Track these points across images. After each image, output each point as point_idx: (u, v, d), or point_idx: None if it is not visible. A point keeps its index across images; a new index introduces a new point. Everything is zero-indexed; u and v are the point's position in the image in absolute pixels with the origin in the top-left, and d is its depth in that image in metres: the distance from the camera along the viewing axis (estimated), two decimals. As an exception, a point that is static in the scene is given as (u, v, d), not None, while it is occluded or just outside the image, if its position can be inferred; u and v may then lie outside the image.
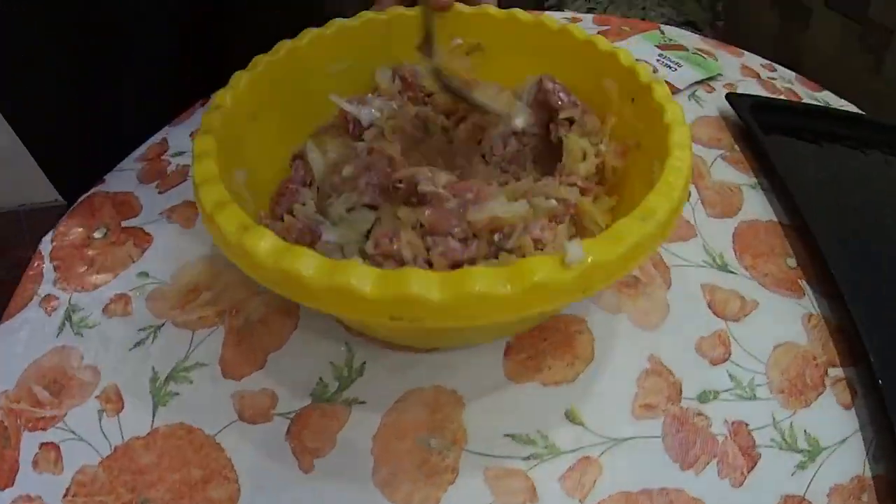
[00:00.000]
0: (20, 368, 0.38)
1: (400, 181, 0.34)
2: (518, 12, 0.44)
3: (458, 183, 0.33)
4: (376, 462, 0.33)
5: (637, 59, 0.39)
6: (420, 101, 0.43)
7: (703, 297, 0.41)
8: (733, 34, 1.20)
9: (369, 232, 0.34)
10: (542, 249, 0.31)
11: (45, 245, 0.44)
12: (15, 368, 0.38)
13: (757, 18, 1.15)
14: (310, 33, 0.42)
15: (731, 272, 0.43)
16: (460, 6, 0.44)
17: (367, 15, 0.44)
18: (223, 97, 0.35)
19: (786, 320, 0.40)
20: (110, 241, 0.44)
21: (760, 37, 1.19)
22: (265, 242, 0.25)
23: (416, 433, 0.33)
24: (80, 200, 0.47)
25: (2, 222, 1.40)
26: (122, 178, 0.49)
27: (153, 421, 0.35)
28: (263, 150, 0.38)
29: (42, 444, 0.35)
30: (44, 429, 0.35)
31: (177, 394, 0.36)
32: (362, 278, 0.23)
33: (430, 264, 0.31)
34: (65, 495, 0.33)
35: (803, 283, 0.42)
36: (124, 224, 0.45)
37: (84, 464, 0.34)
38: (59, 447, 0.35)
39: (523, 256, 0.31)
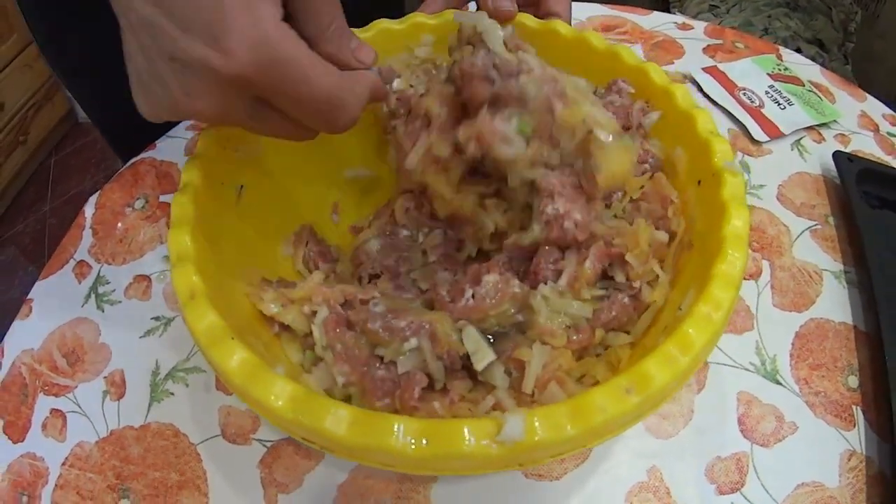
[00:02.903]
0: (47, 330, 0.40)
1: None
2: (592, 36, 0.38)
3: None
4: (336, 514, 0.32)
5: (727, 118, 0.32)
6: None
7: (735, 410, 0.36)
8: (864, 59, 1.01)
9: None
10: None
11: (90, 207, 0.46)
12: (43, 329, 0.40)
13: (892, 44, 0.96)
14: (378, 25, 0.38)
15: (779, 383, 0.37)
16: (526, 18, 0.39)
17: (415, 17, 0.39)
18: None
19: (822, 455, 0.35)
20: (146, 215, 0.45)
21: (893, 65, 0.99)
22: (233, 361, 0.24)
23: (380, 496, 0.33)
24: (127, 164, 0.48)
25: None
26: (171, 147, 0.49)
27: (147, 415, 0.36)
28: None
29: (52, 410, 0.37)
30: (56, 395, 0.38)
31: (172, 394, 0.37)
32: (337, 422, 0.22)
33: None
34: (63, 463, 0.35)
35: (858, 411, 0.37)
36: (162, 198, 0.46)
37: (83, 439, 0.36)
38: (65, 416, 0.37)
39: None
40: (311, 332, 0.30)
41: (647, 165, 0.36)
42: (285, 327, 0.31)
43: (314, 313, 0.31)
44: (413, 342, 0.28)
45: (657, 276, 0.30)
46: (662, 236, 0.32)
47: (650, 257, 0.31)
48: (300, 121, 0.26)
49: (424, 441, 0.21)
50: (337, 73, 0.25)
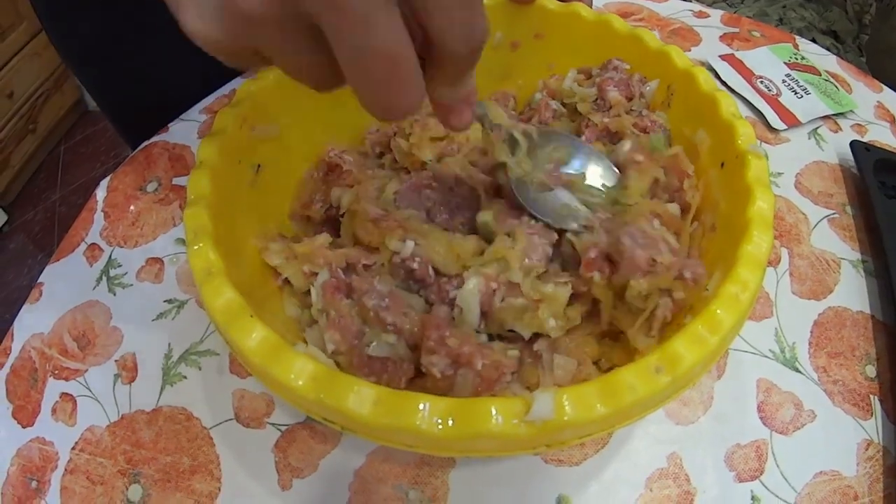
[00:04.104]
0: (57, 314, 0.40)
1: None
2: (614, 19, 0.38)
3: None
4: (351, 498, 0.32)
5: (743, 109, 0.32)
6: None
7: (755, 397, 0.36)
8: (878, 51, 1.00)
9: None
10: None
11: (102, 190, 0.45)
12: (53, 313, 0.40)
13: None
14: None
15: (798, 371, 0.37)
16: (547, 0, 0.39)
17: None
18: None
19: (839, 444, 0.34)
20: (158, 198, 0.45)
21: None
22: (252, 339, 0.23)
23: (397, 480, 0.32)
24: (140, 147, 0.48)
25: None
26: (184, 130, 0.49)
27: (159, 399, 0.36)
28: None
29: (62, 394, 0.37)
30: (66, 379, 0.38)
31: (185, 377, 0.37)
32: (361, 401, 0.21)
33: None
34: (73, 447, 0.35)
35: (875, 401, 0.36)
36: (175, 181, 0.46)
37: (93, 423, 0.36)
38: (75, 400, 0.37)
39: None
40: (309, 291, 0.30)
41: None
42: (288, 281, 0.32)
43: (315, 274, 0.31)
44: (391, 338, 0.28)
45: None
46: (674, 208, 0.32)
47: (665, 233, 0.31)
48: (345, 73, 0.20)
49: (451, 421, 0.21)
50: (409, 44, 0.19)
